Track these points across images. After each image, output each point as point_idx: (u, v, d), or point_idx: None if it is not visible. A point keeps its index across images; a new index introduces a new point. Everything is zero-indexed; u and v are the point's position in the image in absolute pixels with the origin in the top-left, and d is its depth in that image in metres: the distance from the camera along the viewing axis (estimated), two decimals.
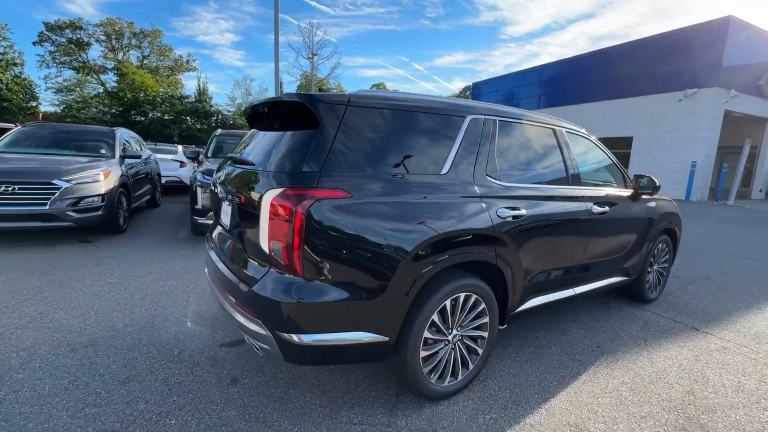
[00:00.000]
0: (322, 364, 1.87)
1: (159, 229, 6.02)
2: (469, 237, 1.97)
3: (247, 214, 1.85)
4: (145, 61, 40.76)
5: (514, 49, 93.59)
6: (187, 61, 43.30)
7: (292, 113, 1.93)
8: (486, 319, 2.17)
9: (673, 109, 13.63)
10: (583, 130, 3.05)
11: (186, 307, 3.11)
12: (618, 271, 3.19)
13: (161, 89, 36.93)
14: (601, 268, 2.99)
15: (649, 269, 3.55)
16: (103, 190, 4.94)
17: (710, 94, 12.79)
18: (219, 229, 2.47)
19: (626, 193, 3.19)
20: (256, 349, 1.81)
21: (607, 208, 2.87)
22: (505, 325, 2.36)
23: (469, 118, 2.17)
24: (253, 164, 1.92)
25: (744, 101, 13.20)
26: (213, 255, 2.30)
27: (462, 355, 2.13)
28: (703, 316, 3.43)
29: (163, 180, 8.79)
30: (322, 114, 1.70)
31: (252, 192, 1.79)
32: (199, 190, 5.02)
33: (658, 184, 3.19)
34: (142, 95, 33.97)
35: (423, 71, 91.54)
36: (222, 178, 2.25)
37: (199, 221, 5.07)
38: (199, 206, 5.03)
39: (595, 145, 3.11)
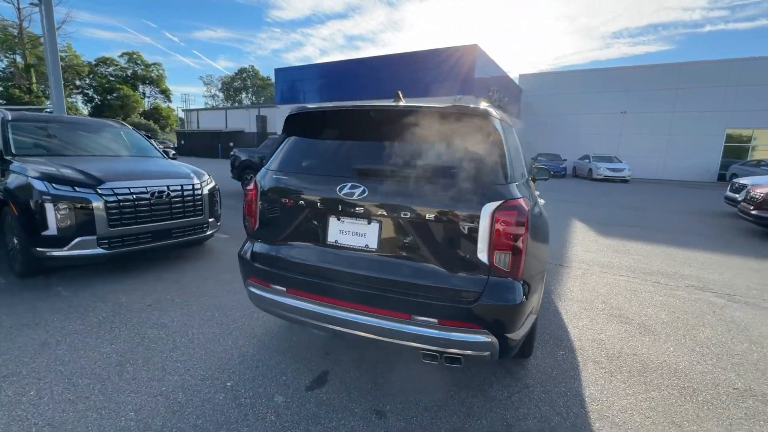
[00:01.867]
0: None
1: None
2: None
3: (442, 229, 1.78)
4: None
5: (281, 35, 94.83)
6: None
7: (442, 122, 1.90)
8: None
9: None
10: None
11: (186, 367, 2.30)
12: None
13: None
14: None
15: None
16: None
17: (468, 100, 17.66)
18: (316, 248, 2.04)
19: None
20: (450, 362, 1.81)
21: (538, 192, 4.02)
22: None
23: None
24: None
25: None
26: (331, 284, 1.94)
27: None
28: (553, 257, 5.26)
29: None
30: (500, 127, 1.84)
31: (443, 206, 1.74)
32: (49, 206, 3.31)
33: (552, 173, 4.64)
34: None
35: (178, 43, 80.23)
36: (345, 192, 1.88)
37: (54, 254, 3.37)
38: (53, 232, 3.32)
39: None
